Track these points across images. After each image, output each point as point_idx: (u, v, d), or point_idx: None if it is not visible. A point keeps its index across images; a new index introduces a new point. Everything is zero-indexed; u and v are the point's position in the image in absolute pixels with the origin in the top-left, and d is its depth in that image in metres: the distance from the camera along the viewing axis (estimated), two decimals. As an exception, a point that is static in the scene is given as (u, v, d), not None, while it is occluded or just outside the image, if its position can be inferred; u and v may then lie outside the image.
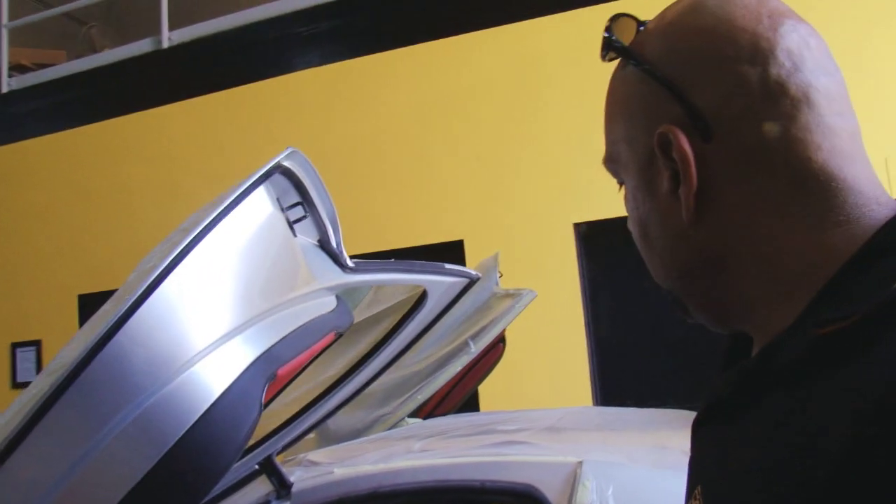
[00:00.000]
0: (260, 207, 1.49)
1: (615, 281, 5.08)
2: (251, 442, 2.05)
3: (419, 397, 3.04)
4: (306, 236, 1.70)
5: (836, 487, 0.50)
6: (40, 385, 1.24)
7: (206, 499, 1.94)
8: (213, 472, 1.36)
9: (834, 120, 0.65)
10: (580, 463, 1.93)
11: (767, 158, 0.65)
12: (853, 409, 0.51)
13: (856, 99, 0.69)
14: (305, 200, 1.64)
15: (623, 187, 0.78)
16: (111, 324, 1.24)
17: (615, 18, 0.74)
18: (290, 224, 1.59)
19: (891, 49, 4.49)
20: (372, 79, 5.64)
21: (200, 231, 1.34)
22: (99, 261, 6.16)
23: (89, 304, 6.06)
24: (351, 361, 2.37)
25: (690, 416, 2.50)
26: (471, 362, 3.18)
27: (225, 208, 1.38)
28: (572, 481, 1.90)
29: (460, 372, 3.17)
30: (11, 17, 7.00)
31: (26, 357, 6.44)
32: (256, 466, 2.27)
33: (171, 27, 6.22)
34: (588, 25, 5.00)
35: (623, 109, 0.74)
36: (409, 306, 2.37)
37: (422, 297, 2.31)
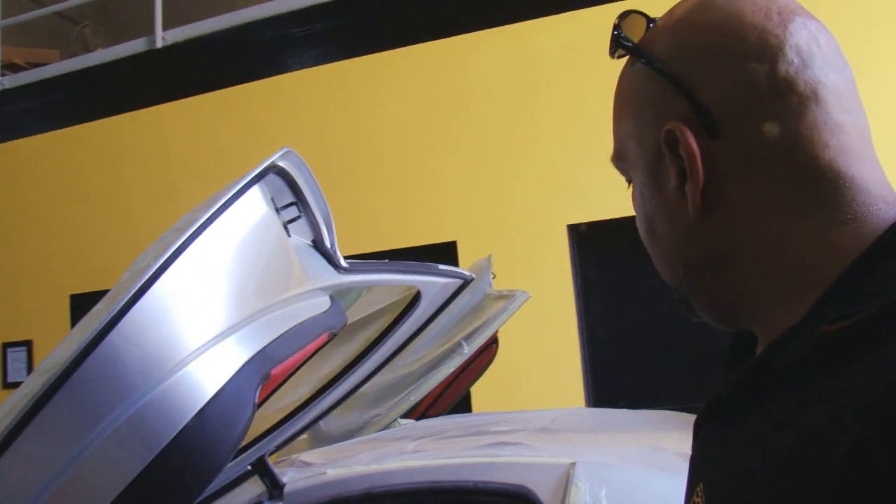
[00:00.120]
0: (254, 207, 1.49)
1: (608, 282, 5.08)
2: (244, 442, 2.04)
3: (412, 398, 3.03)
4: (300, 236, 1.70)
5: (836, 488, 0.50)
6: (32, 384, 1.23)
7: (199, 499, 1.94)
8: (206, 471, 1.36)
9: (842, 117, 0.65)
10: (573, 464, 1.93)
11: (774, 156, 0.64)
12: (854, 409, 0.51)
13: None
14: (300, 200, 1.63)
15: (631, 185, 0.78)
16: (104, 323, 1.24)
17: (625, 15, 0.73)
18: (285, 224, 1.59)
19: (890, 48, 4.50)
20: (367, 80, 5.64)
21: (194, 231, 1.34)
22: (91, 261, 6.14)
23: (81, 304, 6.04)
24: (344, 362, 2.37)
25: (683, 417, 2.51)
26: (464, 363, 3.17)
27: (219, 208, 1.38)
28: (565, 482, 1.90)
29: (453, 373, 3.16)
30: (4, 15, 6.98)
31: (17, 357, 6.41)
32: (249, 467, 2.27)
33: (165, 27, 6.20)
34: (583, 27, 5.03)
35: (631, 106, 0.74)
36: (402, 307, 2.37)
37: (415, 298, 2.31)
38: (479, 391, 4.45)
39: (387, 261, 2.04)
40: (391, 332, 2.37)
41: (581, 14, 5.02)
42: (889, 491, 0.47)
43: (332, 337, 1.84)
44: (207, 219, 1.36)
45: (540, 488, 1.92)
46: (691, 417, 2.53)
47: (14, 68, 6.99)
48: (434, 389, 3.17)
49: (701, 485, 0.68)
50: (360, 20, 5.82)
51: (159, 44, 6.19)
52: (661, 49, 0.70)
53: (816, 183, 0.64)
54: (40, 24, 7.61)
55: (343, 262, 1.77)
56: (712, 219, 0.67)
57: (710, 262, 0.69)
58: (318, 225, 1.70)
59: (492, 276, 3.30)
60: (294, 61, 5.94)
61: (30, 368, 6.26)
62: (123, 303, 1.25)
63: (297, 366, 1.80)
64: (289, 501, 2.18)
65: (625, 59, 0.75)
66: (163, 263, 1.30)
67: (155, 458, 1.26)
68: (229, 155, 5.69)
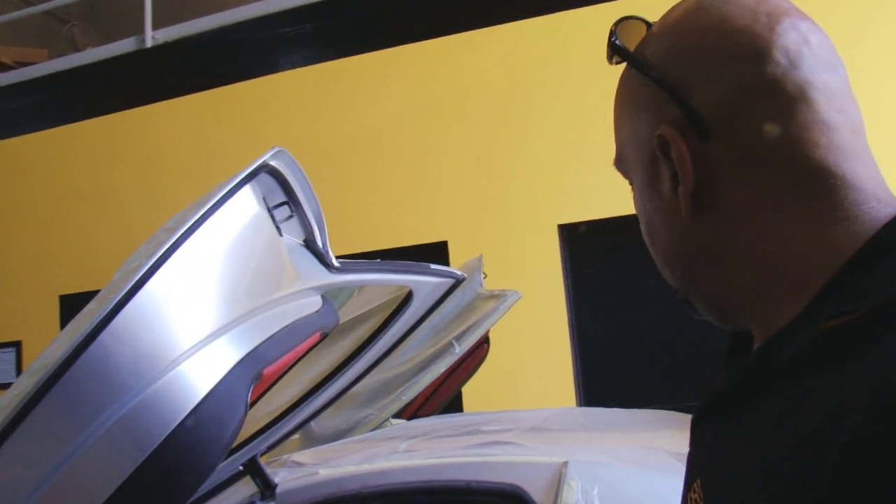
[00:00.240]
0: (246, 207, 1.49)
1: (599, 282, 5.09)
2: (236, 442, 2.04)
3: (404, 398, 3.03)
4: (292, 236, 1.70)
5: (835, 485, 0.50)
6: (23, 385, 1.23)
7: (191, 499, 1.93)
8: (198, 471, 1.36)
9: (833, 116, 0.65)
10: (565, 463, 1.93)
11: (765, 156, 0.65)
12: (851, 406, 0.51)
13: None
14: (291, 200, 1.63)
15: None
16: (96, 323, 1.23)
17: (621, 21, 0.74)
18: (276, 223, 1.59)
19: (887, 46, 4.52)
20: (358, 80, 5.64)
21: (186, 230, 1.34)
22: (81, 261, 6.11)
23: (71, 305, 6.01)
24: (336, 362, 2.37)
25: (675, 416, 2.52)
26: (455, 363, 3.18)
27: (211, 207, 1.38)
28: (557, 481, 1.90)
29: (444, 373, 3.17)
30: (-8, 14, 6.95)
31: (5, 358, 6.38)
32: (241, 467, 2.26)
33: (155, 26, 6.17)
34: (574, 28, 5.04)
35: (629, 111, 0.74)
36: (394, 306, 2.37)
37: (407, 298, 2.31)
38: (470, 391, 4.46)
39: (378, 260, 2.04)
40: (383, 332, 2.37)
41: (573, 14, 5.03)
42: (887, 488, 0.48)
43: (324, 337, 1.84)
44: (199, 218, 1.36)
45: (532, 487, 1.93)
46: (683, 417, 2.55)
47: (2, 67, 6.95)
48: (425, 389, 3.17)
49: (698, 481, 0.69)
50: (351, 20, 5.81)
51: (149, 43, 6.17)
52: (654, 54, 0.71)
53: (807, 182, 0.64)
54: (29, 23, 7.58)
55: (335, 262, 1.76)
56: (707, 220, 0.68)
57: (707, 263, 0.70)
58: (309, 224, 1.70)
59: (483, 275, 3.30)
60: (285, 61, 5.92)
61: (19, 370, 6.23)
62: (115, 302, 1.25)
63: (289, 365, 1.80)
64: (281, 502, 2.18)
65: (622, 64, 0.76)
66: (154, 263, 1.29)
67: (147, 458, 1.26)
68: (220, 155, 5.68)
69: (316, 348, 1.98)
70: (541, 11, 5.18)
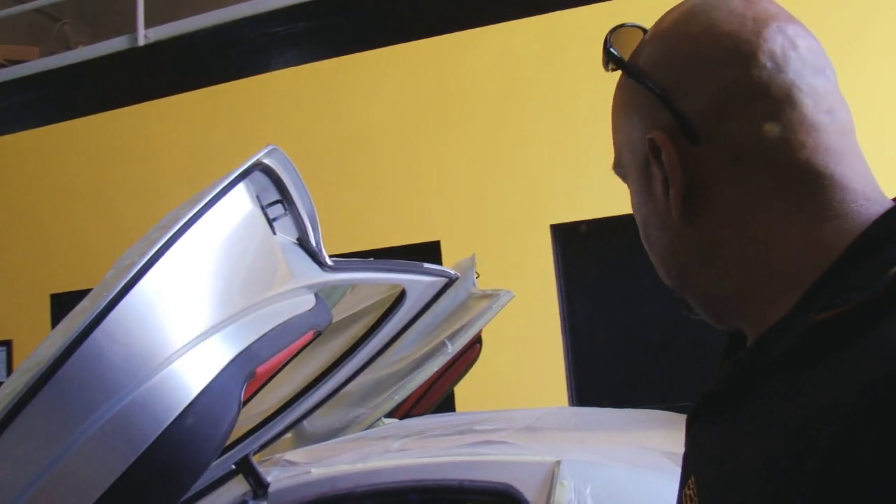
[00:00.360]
0: (239, 205, 1.49)
1: (591, 282, 5.10)
2: (228, 441, 2.03)
3: (396, 397, 3.03)
4: (285, 234, 1.70)
5: (825, 480, 0.51)
6: (15, 383, 1.22)
7: (183, 498, 1.93)
8: (191, 470, 1.35)
9: (820, 118, 0.66)
10: (558, 462, 1.93)
11: (753, 158, 0.67)
12: (841, 402, 0.52)
13: (850, 94, 0.70)
14: (285, 198, 1.63)
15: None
16: (88, 321, 1.23)
17: (616, 29, 0.76)
18: (270, 222, 1.59)
19: (885, 44, 4.54)
20: (351, 79, 5.63)
21: (179, 228, 1.33)
22: (72, 260, 6.09)
23: (62, 304, 5.99)
24: (329, 361, 2.36)
25: (668, 416, 2.52)
26: (448, 362, 3.18)
27: (204, 205, 1.38)
28: (550, 480, 1.90)
29: (437, 372, 3.17)
30: (-17, 12, 6.92)
31: (-4, 357, 6.36)
32: (233, 466, 2.26)
33: (148, 25, 6.16)
34: (567, 28, 5.05)
35: (624, 116, 0.76)
36: (387, 305, 2.37)
37: (400, 297, 2.31)
38: (462, 390, 4.46)
39: (372, 259, 2.04)
40: (376, 331, 2.36)
41: (567, 15, 5.03)
42: (875, 483, 0.48)
43: (318, 335, 1.83)
44: (192, 216, 1.36)
45: (525, 486, 1.93)
46: (675, 416, 2.55)
47: (-7, 65, 6.93)
48: (418, 389, 3.17)
49: (693, 478, 0.69)
50: (344, 19, 5.81)
51: (141, 42, 6.15)
52: (647, 60, 0.73)
53: (796, 182, 0.65)
54: (20, 20, 7.54)
55: (328, 261, 1.76)
56: (699, 221, 0.70)
57: (700, 263, 0.71)
58: (303, 223, 1.69)
59: (475, 275, 3.31)
60: (277, 60, 5.91)
61: (10, 369, 6.20)
62: (108, 300, 1.24)
63: (282, 364, 1.79)
64: (273, 501, 2.17)
65: (619, 71, 0.77)
66: (147, 261, 1.29)
67: (140, 456, 1.26)
68: (213, 154, 5.67)
69: (309, 347, 1.98)
70: (535, 11, 5.19)
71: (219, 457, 2.06)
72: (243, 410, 1.56)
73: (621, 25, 0.77)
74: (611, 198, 4.41)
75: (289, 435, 2.77)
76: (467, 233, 5.15)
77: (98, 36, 6.85)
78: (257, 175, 1.55)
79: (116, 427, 1.25)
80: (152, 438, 1.27)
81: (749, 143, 0.66)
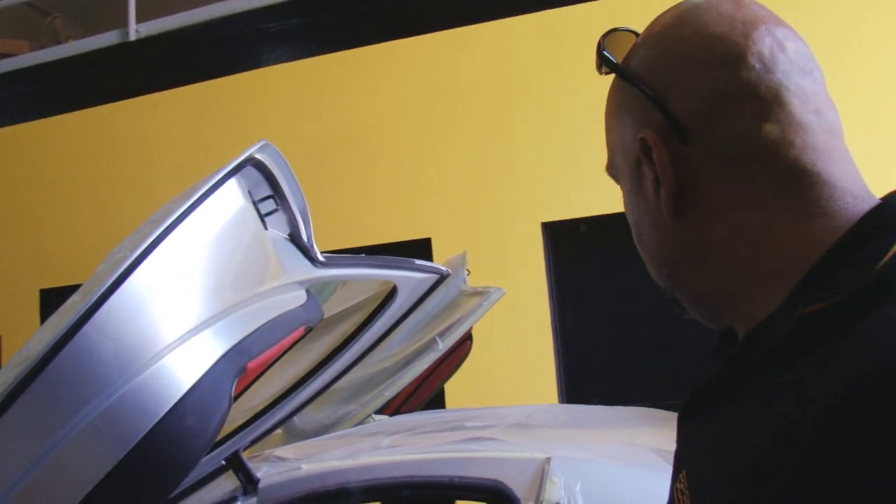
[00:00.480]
0: (231, 199, 1.49)
1: (582, 280, 5.11)
2: (219, 437, 2.03)
3: (387, 394, 3.03)
4: (277, 230, 1.70)
5: (813, 473, 0.51)
6: (4, 378, 1.22)
7: (173, 494, 1.93)
8: (182, 465, 1.35)
9: (808, 118, 0.68)
10: (548, 459, 1.94)
11: (743, 157, 0.68)
12: (827, 394, 0.53)
13: (844, 92, 0.71)
14: (277, 193, 1.63)
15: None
16: (79, 315, 1.23)
17: (609, 33, 0.78)
18: (262, 217, 1.59)
19: (881, 42, 4.55)
20: (343, 77, 5.62)
21: (171, 223, 1.33)
22: (62, 255, 6.06)
23: (51, 299, 5.96)
24: (320, 357, 2.36)
25: (657, 413, 2.52)
26: (438, 359, 3.18)
27: (196, 200, 1.37)
28: (541, 477, 1.91)
29: (428, 369, 3.17)
30: (-28, 5, 6.87)
31: (-15, 352, 6.32)
32: (223, 462, 2.25)
33: (139, 19, 6.13)
34: (560, 27, 5.05)
35: (617, 117, 0.78)
36: (378, 302, 2.37)
37: (391, 293, 2.31)
38: (452, 387, 4.46)
39: (363, 255, 2.04)
40: (367, 327, 2.36)
41: (562, 13, 5.03)
42: (862, 475, 0.49)
43: (309, 331, 1.83)
44: (184, 211, 1.35)
45: (515, 483, 1.93)
46: (665, 414, 2.56)
47: (-17, 59, 6.88)
48: (408, 385, 3.17)
49: (684, 472, 0.70)
50: (336, 16, 5.80)
51: (132, 36, 6.12)
52: (639, 63, 0.74)
53: (784, 181, 0.67)
54: (9, 14, 7.49)
55: (320, 256, 1.76)
56: (689, 220, 0.71)
57: (691, 262, 0.73)
58: (295, 218, 1.69)
59: (466, 272, 3.31)
60: (269, 56, 5.90)
61: (-2, 364, 6.17)
62: (98, 295, 1.24)
63: (273, 360, 1.79)
64: (263, 496, 2.17)
65: (612, 74, 0.79)
66: (139, 255, 1.29)
67: (130, 451, 1.26)
68: (205, 150, 5.65)
69: (300, 343, 1.98)
70: (530, 9, 5.19)
71: (209, 452, 2.06)
72: (234, 406, 1.56)
73: (614, 30, 0.78)
74: (603, 197, 4.42)
75: (279, 431, 2.76)
76: (458, 230, 5.15)
77: (89, 30, 6.81)
78: (249, 170, 1.55)
79: (107, 422, 1.25)
80: (143, 433, 1.26)
81: (739, 142, 0.68)
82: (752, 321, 0.67)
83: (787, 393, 0.57)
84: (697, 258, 0.72)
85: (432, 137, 5.35)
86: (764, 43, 0.69)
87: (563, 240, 5.09)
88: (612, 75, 0.78)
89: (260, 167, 1.57)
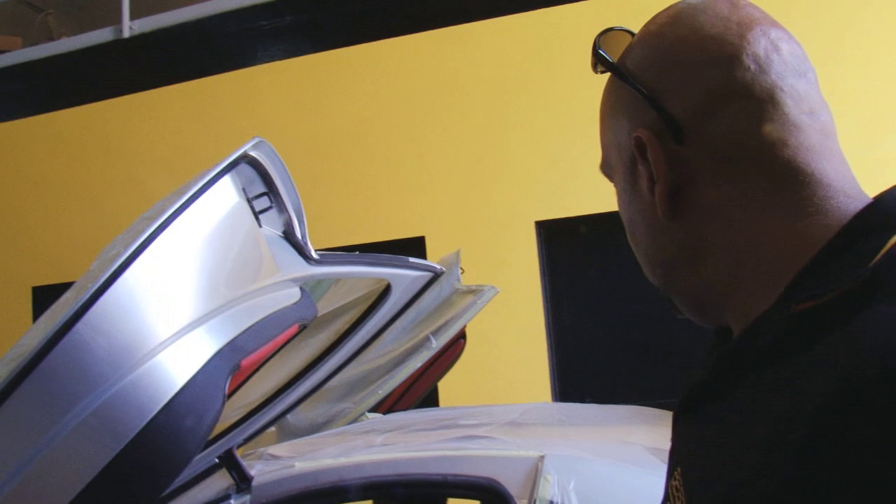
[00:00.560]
0: (225, 197, 1.48)
1: (575, 279, 5.11)
2: (212, 434, 2.02)
3: (380, 392, 3.02)
4: (271, 227, 1.70)
5: (806, 468, 0.52)
6: (-3, 374, 1.21)
7: (166, 491, 1.92)
8: (175, 463, 1.35)
9: (801, 118, 0.68)
10: (542, 457, 1.94)
11: (737, 157, 0.69)
12: (820, 389, 0.53)
13: (834, 93, 0.71)
14: (271, 191, 1.63)
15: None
16: (72, 312, 1.22)
17: (605, 32, 0.78)
18: (256, 214, 1.58)
19: (874, 39, 4.57)
20: (337, 75, 5.61)
21: (165, 219, 1.33)
22: (54, 253, 6.04)
23: (44, 297, 5.94)
24: (314, 354, 2.36)
25: (650, 412, 2.53)
26: (432, 358, 3.18)
27: (190, 197, 1.37)
28: (534, 475, 1.91)
29: (421, 367, 3.16)
30: (-35, 1, 6.84)
31: (-23, 350, 6.29)
32: (217, 460, 2.25)
33: (133, 16, 6.11)
34: (554, 26, 5.05)
35: (611, 116, 0.78)
36: (372, 299, 2.36)
37: (385, 291, 2.31)
38: (446, 386, 4.46)
39: (357, 253, 2.04)
40: (361, 325, 2.36)
41: (553, 12, 5.04)
42: (854, 470, 0.49)
43: (302, 329, 1.83)
44: (178, 208, 1.35)
45: (509, 481, 1.93)
46: (658, 412, 2.56)
47: (-25, 56, 6.85)
48: (402, 384, 3.17)
49: (679, 469, 0.70)
50: (330, 14, 5.79)
51: (126, 33, 6.10)
52: (634, 62, 0.75)
53: (778, 180, 0.67)
54: (2, 10, 7.46)
55: (314, 254, 1.76)
56: (684, 218, 0.71)
57: (685, 261, 0.73)
58: (289, 216, 1.69)
59: (460, 271, 3.30)
60: (263, 54, 5.89)
61: (-10, 361, 6.14)
62: (92, 292, 1.24)
63: (266, 357, 1.79)
64: (256, 494, 2.17)
65: (607, 73, 0.79)
66: (132, 252, 1.28)
67: (123, 448, 1.25)
68: (197, 147, 5.64)
69: (294, 341, 1.98)
70: (524, 8, 5.19)
71: (202, 450, 2.05)
72: (227, 403, 1.56)
73: (610, 29, 0.79)
74: (596, 195, 4.43)
75: (273, 429, 2.76)
76: (452, 229, 5.15)
77: (82, 27, 6.78)
78: (243, 167, 1.55)
79: (100, 419, 1.24)
80: (136, 431, 1.26)
81: (733, 142, 0.68)
82: (747, 319, 0.67)
83: (781, 389, 0.58)
84: (692, 257, 0.72)
85: (426, 136, 5.35)
86: (759, 44, 0.70)
87: (557, 238, 5.09)
88: (607, 74, 0.79)
89: (254, 164, 1.57)
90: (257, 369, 1.93)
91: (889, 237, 0.60)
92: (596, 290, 5.06)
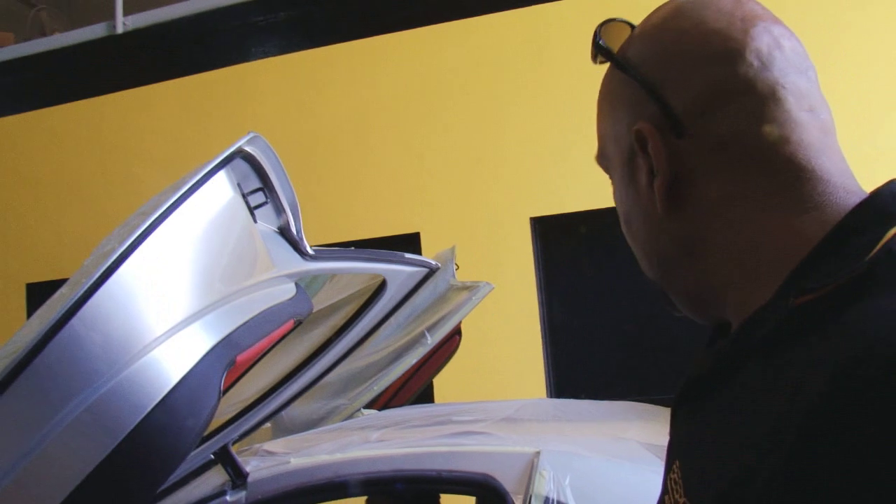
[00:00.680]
0: (220, 192, 1.48)
1: (571, 275, 5.12)
2: (207, 430, 2.02)
3: (376, 388, 3.02)
4: (266, 223, 1.69)
5: (804, 459, 0.52)
6: (-9, 371, 1.21)
7: (162, 487, 1.92)
8: (170, 459, 1.35)
9: (802, 115, 0.68)
10: (537, 453, 1.94)
11: (737, 152, 0.68)
12: (817, 382, 0.53)
13: (834, 88, 0.71)
14: (266, 186, 1.62)
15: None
16: (66, 308, 1.22)
17: (605, 23, 0.78)
18: (251, 210, 1.58)
19: (866, 36, 4.57)
20: (331, 71, 5.60)
21: (160, 215, 1.32)
22: (48, 249, 6.03)
23: (38, 293, 5.93)
24: (309, 350, 2.36)
25: (645, 408, 2.53)
26: (427, 354, 3.17)
27: (185, 192, 1.37)
28: (529, 471, 1.91)
29: (417, 363, 3.16)
30: (-43, -3, 6.81)
31: (-30, 347, 6.27)
32: (212, 456, 2.25)
33: (126, 12, 6.09)
34: (547, 22, 5.05)
35: (610, 107, 0.78)
36: (368, 295, 2.36)
37: (381, 287, 2.30)
38: (441, 382, 4.46)
39: (353, 248, 2.03)
40: (356, 321, 2.36)
41: (547, 8, 5.03)
42: (845, 462, 0.49)
43: (298, 324, 1.83)
44: (173, 203, 1.35)
45: (504, 477, 1.93)
46: (653, 408, 2.56)
47: (-32, 51, 6.82)
48: (397, 380, 3.16)
49: (677, 462, 0.70)
50: (325, 10, 5.78)
51: (120, 29, 6.08)
52: (635, 54, 0.74)
53: (778, 175, 0.67)
54: (-5, 6, 7.43)
55: (309, 249, 1.76)
56: (682, 213, 0.71)
57: (683, 255, 0.73)
58: (284, 211, 1.69)
59: (455, 267, 3.30)
60: (257, 50, 5.87)
61: (-17, 358, 6.12)
62: (86, 287, 1.23)
63: (262, 353, 1.79)
64: (252, 491, 2.16)
65: (600, 62, 0.79)
66: (127, 248, 1.28)
67: (118, 445, 1.25)
68: (191, 143, 5.62)
69: (289, 336, 1.97)
70: (519, 4, 5.18)
71: (198, 446, 2.05)
72: (223, 400, 1.55)
73: (611, 20, 0.78)
74: (591, 191, 4.43)
75: (268, 425, 2.76)
76: (447, 225, 5.15)
77: (76, 23, 6.76)
78: (238, 162, 1.54)
79: (95, 415, 1.24)
80: (131, 427, 1.26)
81: (734, 138, 0.68)
82: (745, 313, 0.67)
83: (778, 382, 0.58)
84: (689, 251, 0.72)
85: (421, 132, 5.35)
86: (762, 40, 0.69)
87: (552, 234, 5.09)
88: (604, 68, 0.78)
89: (249, 160, 1.56)
90: (253, 365, 1.93)
91: (885, 231, 0.60)
92: (591, 286, 5.07)
